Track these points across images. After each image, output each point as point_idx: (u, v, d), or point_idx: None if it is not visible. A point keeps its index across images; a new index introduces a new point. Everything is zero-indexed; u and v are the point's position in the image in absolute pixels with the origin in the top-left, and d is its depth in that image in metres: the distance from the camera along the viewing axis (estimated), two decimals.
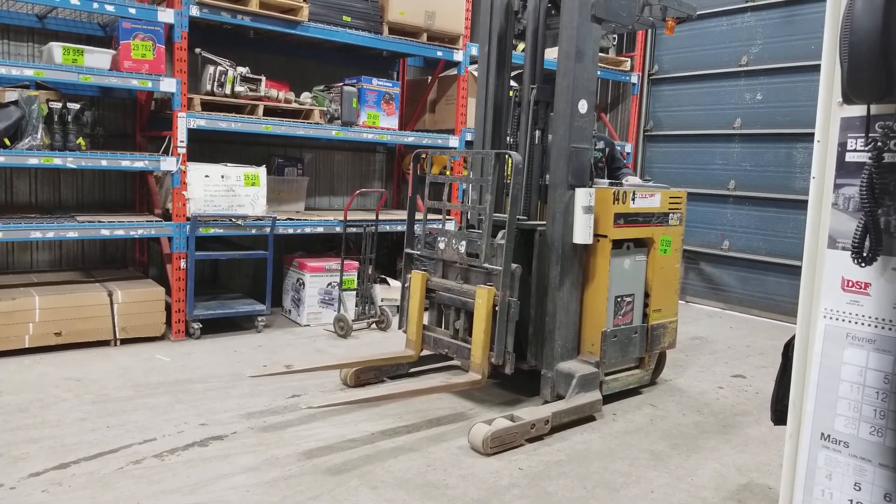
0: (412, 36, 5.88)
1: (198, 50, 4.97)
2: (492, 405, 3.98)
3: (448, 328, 4.04)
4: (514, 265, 3.66)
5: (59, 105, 4.63)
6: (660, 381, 4.58)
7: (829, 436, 1.99)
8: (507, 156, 3.83)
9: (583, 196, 3.80)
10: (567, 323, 3.92)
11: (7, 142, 4.38)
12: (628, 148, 7.88)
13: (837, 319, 1.95)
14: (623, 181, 4.78)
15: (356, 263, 5.65)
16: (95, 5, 4.46)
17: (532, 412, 3.57)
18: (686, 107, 7.60)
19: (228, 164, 5.09)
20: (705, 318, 6.76)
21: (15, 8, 5.05)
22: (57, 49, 4.45)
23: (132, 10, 4.59)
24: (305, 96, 5.60)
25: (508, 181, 4.07)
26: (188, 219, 4.89)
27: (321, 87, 5.76)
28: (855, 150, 1.87)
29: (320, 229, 5.58)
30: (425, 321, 4.15)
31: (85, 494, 2.75)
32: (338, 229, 5.59)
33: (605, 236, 3.90)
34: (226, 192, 4.96)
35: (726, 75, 7.18)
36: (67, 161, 4.50)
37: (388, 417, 3.70)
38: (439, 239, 4.06)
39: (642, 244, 4.16)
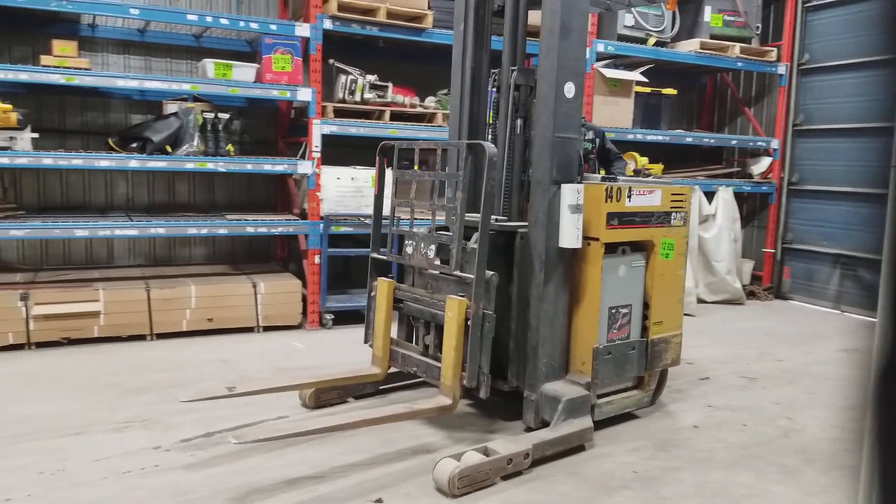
0: (534, 35, 5.87)
1: (331, 61, 5.31)
2: (466, 433, 3.47)
3: (418, 343, 3.58)
4: (489, 273, 3.19)
5: (211, 115, 5.14)
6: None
7: None
8: (480, 147, 3.26)
9: (570, 193, 3.31)
10: (552, 338, 3.41)
11: (169, 149, 4.92)
12: (774, 144, 7.39)
13: None
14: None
15: None
16: (242, 24, 4.92)
17: (509, 444, 3.07)
18: (840, 98, 6.98)
19: (357, 167, 5.38)
20: (861, 330, 6.18)
21: (176, 29, 5.66)
22: (210, 65, 4.95)
23: (273, 27, 5.00)
24: (430, 100, 5.79)
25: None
26: (321, 218, 5.23)
27: (445, 91, 5.91)
28: None
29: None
30: (394, 335, 3.69)
31: (223, 460, 3.06)
32: None
33: (597, 239, 3.40)
34: (355, 193, 5.25)
35: (886, 63, 6.52)
36: (219, 165, 4.98)
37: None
38: (407, 242, 3.57)
39: (640, 248, 3.65)
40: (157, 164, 4.83)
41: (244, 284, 5.20)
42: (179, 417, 3.49)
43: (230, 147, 5.15)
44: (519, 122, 3.63)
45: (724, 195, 6.92)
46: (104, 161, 4.73)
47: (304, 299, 5.37)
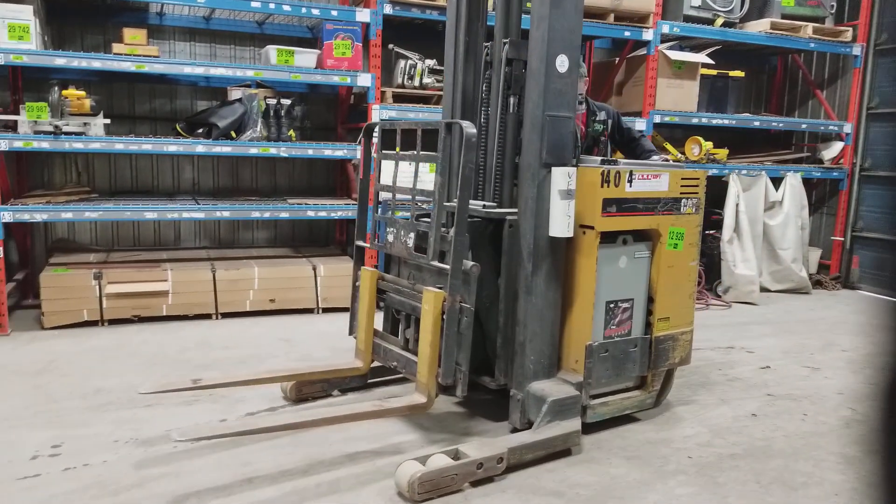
0: (599, 17, 5.81)
1: (391, 46, 5.35)
2: (447, 433, 3.27)
3: (400, 337, 3.38)
4: (469, 263, 2.97)
5: (274, 101, 5.26)
6: None
7: None
8: (458, 127, 2.96)
9: (560, 177, 3.04)
10: (542, 334, 3.16)
11: (233, 134, 5.07)
12: (847, 128, 7.09)
13: None
14: (653, 159, 4.04)
15: None
16: (304, 10, 5.01)
17: (483, 447, 2.84)
18: None
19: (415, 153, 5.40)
20: None
21: (239, 17, 5.81)
22: (272, 51, 5.06)
23: (334, 13, 5.08)
24: None
25: (483, 160, 3.41)
26: (380, 203, 5.29)
27: None
28: None
29: None
30: (381, 327, 3.52)
31: (288, 433, 3.12)
32: None
33: (592, 228, 3.12)
34: (412, 179, 5.28)
35: None
36: (281, 151, 5.11)
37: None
38: (388, 230, 3.37)
39: (644, 237, 3.36)
40: (223, 149, 4.99)
41: (305, 267, 5.34)
42: (245, 392, 3.61)
43: (292, 133, 5.27)
44: (512, 99, 3.32)
45: (792, 181, 6.70)
46: (172, 146, 4.91)
47: None
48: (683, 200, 3.43)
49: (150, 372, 3.93)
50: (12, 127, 4.70)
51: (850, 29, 6.96)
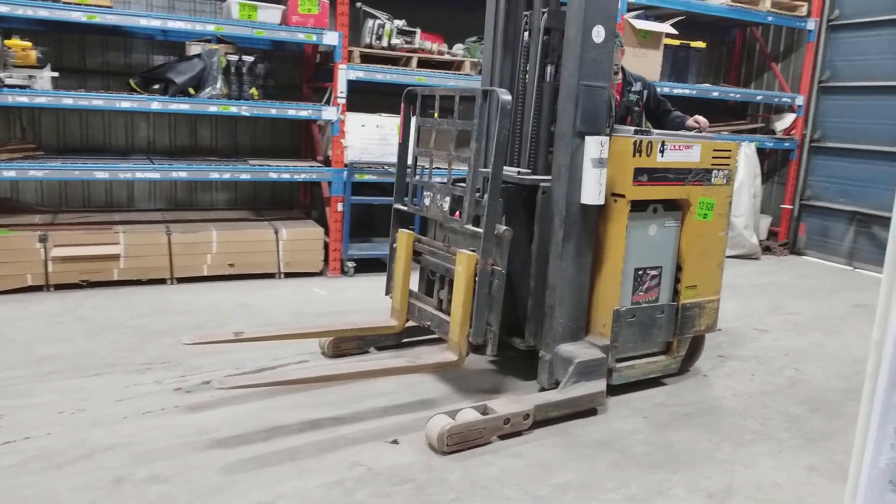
0: None
1: (359, 4, 5.24)
2: (476, 390, 3.43)
3: (434, 297, 3.52)
4: (502, 228, 3.11)
5: (235, 58, 5.11)
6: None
7: None
8: (493, 94, 3.08)
9: (593, 146, 3.15)
10: (571, 298, 3.31)
11: (192, 91, 4.92)
12: (799, 100, 7.29)
13: None
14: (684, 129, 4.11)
15: None
16: None
17: (510, 403, 3.03)
18: (870, 56, 6.85)
19: (383, 115, 5.35)
20: (874, 286, 6.20)
21: None
22: (234, 5, 4.90)
23: None
24: (458, 48, 5.71)
25: (520, 127, 3.53)
26: (346, 165, 5.24)
27: (474, 39, 5.82)
28: None
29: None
30: (416, 288, 3.66)
31: (246, 401, 3.13)
32: None
33: (623, 196, 3.25)
34: (380, 141, 5.24)
35: None
36: (242, 109, 4.98)
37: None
38: (425, 193, 3.51)
39: (674, 207, 3.46)
40: (180, 106, 4.83)
41: (266, 230, 5.25)
42: (201, 359, 3.54)
43: (254, 91, 5.13)
44: (549, 68, 3.41)
45: (747, 150, 6.89)
46: (126, 102, 4.73)
47: (326, 247, 5.42)
48: (714, 171, 3.52)
49: (100, 338, 3.81)
50: None
51: (806, 4, 7.11)
